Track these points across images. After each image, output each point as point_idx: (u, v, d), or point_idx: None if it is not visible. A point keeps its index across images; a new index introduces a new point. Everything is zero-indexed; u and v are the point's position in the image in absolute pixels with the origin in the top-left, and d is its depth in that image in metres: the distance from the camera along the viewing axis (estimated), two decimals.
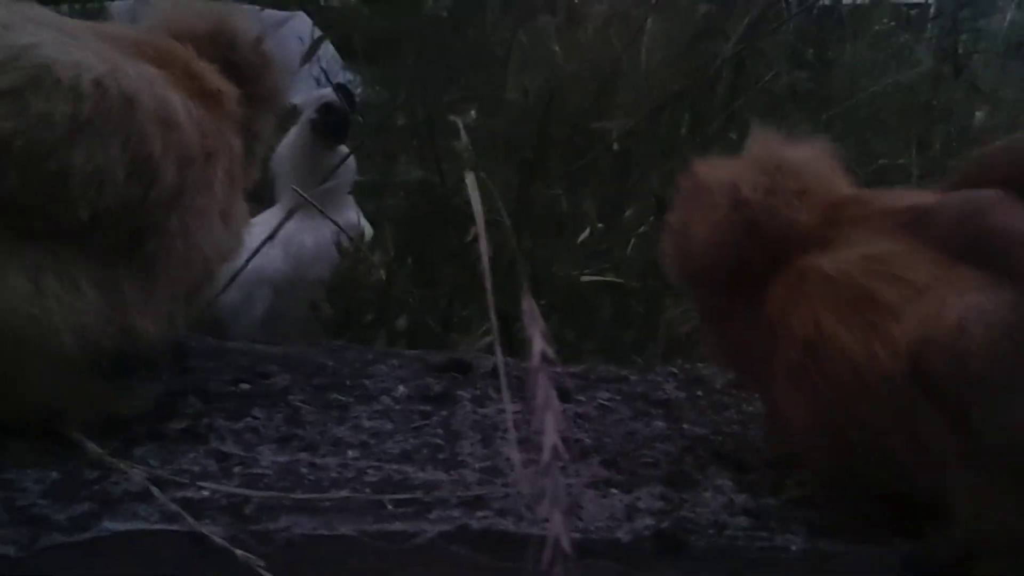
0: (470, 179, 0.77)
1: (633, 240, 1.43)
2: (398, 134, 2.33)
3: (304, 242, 1.62)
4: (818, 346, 0.78)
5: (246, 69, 1.02)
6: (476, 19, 4.51)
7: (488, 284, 0.68)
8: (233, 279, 1.38)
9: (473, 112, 3.14)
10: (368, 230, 1.67)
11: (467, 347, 1.33)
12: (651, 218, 1.40)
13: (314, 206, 1.51)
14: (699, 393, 1.11)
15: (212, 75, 0.96)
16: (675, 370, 1.18)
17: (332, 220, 1.50)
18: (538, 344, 0.64)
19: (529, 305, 0.63)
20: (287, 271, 1.65)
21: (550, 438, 0.61)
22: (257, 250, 1.39)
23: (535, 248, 1.26)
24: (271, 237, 1.40)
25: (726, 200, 0.87)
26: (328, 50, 4.53)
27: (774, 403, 0.89)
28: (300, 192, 1.60)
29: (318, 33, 4.35)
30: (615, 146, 2.39)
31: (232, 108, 0.97)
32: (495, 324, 0.68)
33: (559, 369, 1.16)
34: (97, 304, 0.82)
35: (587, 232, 1.37)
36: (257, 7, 5.06)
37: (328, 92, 1.79)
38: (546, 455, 0.59)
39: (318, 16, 4.77)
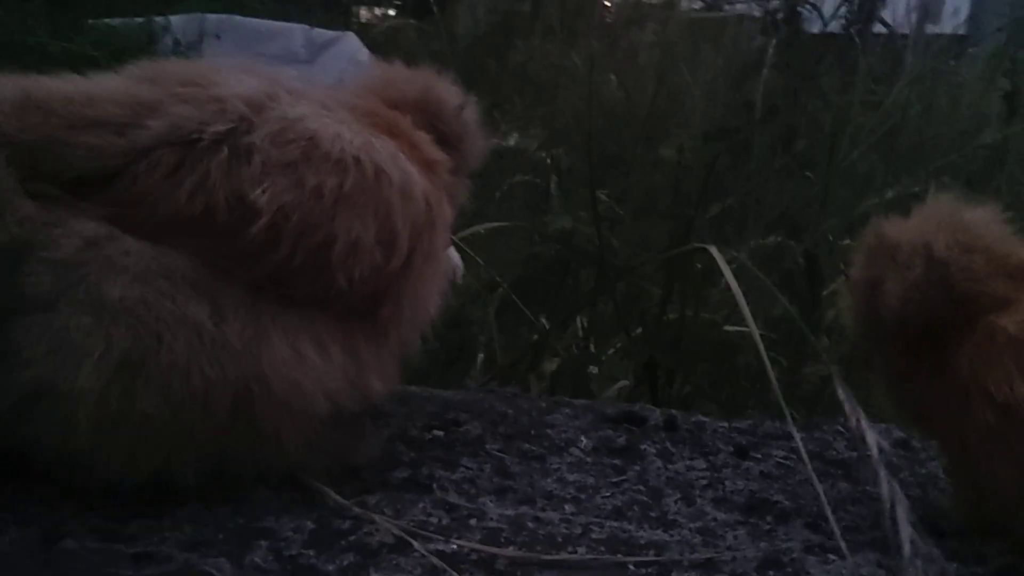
0: (714, 252, 0.81)
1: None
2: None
3: None
4: (1014, 408, 0.82)
5: (451, 137, 1.05)
6: (522, 41, 4.55)
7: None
8: None
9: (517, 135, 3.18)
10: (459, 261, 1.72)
11: (608, 392, 1.36)
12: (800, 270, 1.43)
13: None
14: (869, 452, 1.14)
15: (429, 145, 1.00)
16: (842, 428, 1.20)
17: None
18: (871, 438, 0.68)
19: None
20: None
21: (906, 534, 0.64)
22: None
23: (685, 298, 1.30)
24: None
25: (921, 259, 0.90)
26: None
27: (966, 467, 0.92)
28: None
29: (366, 53, 4.41)
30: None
31: (445, 177, 1.01)
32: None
33: (726, 424, 1.20)
34: (343, 368, 0.87)
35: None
36: (307, 26, 5.13)
37: None
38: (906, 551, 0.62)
39: (364, 36, 4.82)
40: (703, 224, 1.30)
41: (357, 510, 0.86)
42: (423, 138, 1.00)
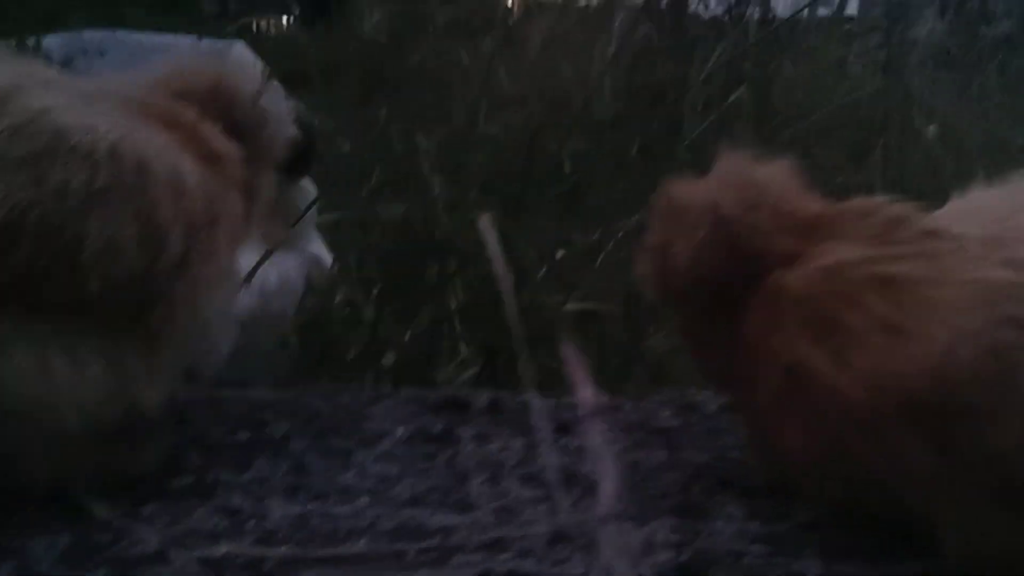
0: (484, 222, 0.78)
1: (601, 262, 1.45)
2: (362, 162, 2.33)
3: (268, 276, 1.60)
4: (797, 373, 0.80)
5: (246, 127, 1.00)
6: (416, 43, 4.52)
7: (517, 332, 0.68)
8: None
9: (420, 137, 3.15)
10: (330, 260, 1.67)
11: (450, 378, 1.32)
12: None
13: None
14: (694, 419, 1.12)
15: (216, 137, 0.95)
16: (667, 398, 1.19)
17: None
18: (587, 392, 0.65)
19: (570, 353, 0.64)
20: (252, 307, 1.63)
21: (608, 488, 0.61)
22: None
23: (519, 280, 1.27)
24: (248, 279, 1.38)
25: (707, 218, 0.88)
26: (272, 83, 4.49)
27: (760, 428, 0.91)
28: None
29: (256, 62, 4.32)
30: (567, 168, 2.41)
31: (234, 170, 0.95)
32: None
33: (553, 402, 1.17)
34: (102, 380, 0.81)
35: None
36: (195, 38, 5.02)
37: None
38: (605, 505, 0.59)
39: (256, 45, 4.74)
40: (543, 204, 1.25)
41: (121, 521, 0.81)
42: (209, 129, 0.94)
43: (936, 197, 0.89)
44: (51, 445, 0.80)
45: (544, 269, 1.27)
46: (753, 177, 0.90)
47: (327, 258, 1.72)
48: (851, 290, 0.78)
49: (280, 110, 1.07)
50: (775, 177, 0.91)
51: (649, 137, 2.51)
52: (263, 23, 6.35)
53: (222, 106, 0.98)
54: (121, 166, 0.81)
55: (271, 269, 1.66)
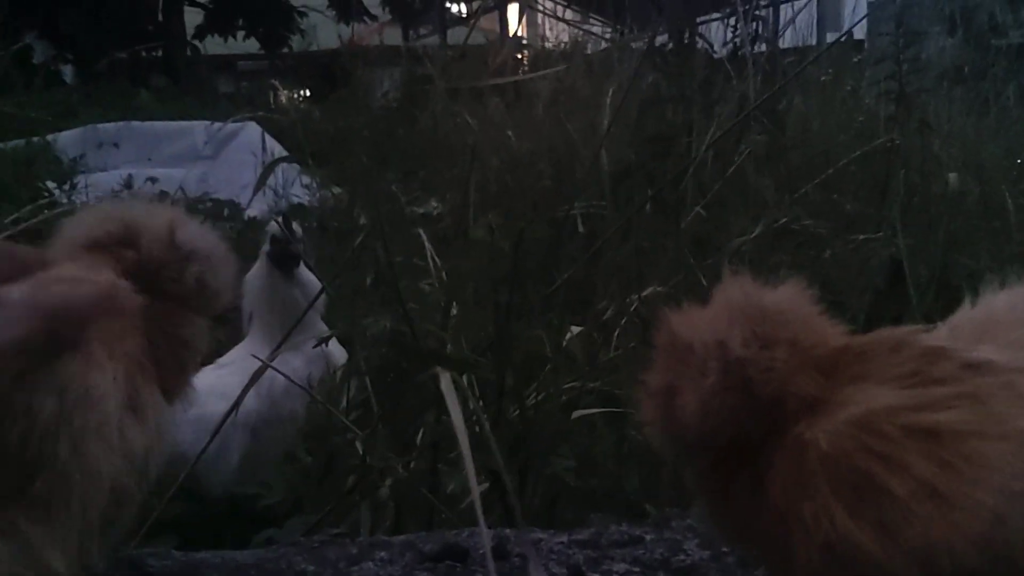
0: (445, 380, 0.70)
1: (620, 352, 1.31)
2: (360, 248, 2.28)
3: (275, 377, 1.56)
4: (838, 550, 0.69)
5: (158, 268, 0.92)
6: (425, 109, 4.53)
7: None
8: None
9: (434, 202, 3.11)
10: (342, 356, 1.60)
11: (457, 515, 1.21)
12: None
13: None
14: (724, 549, 1.00)
15: (112, 284, 0.86)
16: (693, 522, 1.06)
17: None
18: None
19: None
20: (262, 411, 1.58)
21: None
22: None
23: (518, 387, 1.15)
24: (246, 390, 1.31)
25: (716, 361, 0.75)
26: (281, 155, 4.54)
27: None
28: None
29: (268, 140, 4.37)
30: (580, 229, 2.34)
31: (134, 309, 0.87)
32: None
33: (565, 538, 1.06)
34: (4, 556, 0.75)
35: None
36: (208, 122, 5.09)
37: (274, 224, 1.74)
38: None
39: (268, 123, 4.79)
40: (530, 304, 1.15)
41: None
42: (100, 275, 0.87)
43: (963, 235, 0.80)
44: None
45: (551, 360, 1.15)
46: (764, 306, 0.78)
47: (339, 355, 1.66)
48: (888, 448, 0.68)
49: (208, 246, 0.96)
50: (789, 305, 0.79)
51: (661, 189, 2.42)
52: (275, 99, 6.44)
53: (126, 248, 0.91)
54: None
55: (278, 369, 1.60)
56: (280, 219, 1.65)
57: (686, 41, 3.83)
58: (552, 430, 1.06)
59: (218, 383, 1.47)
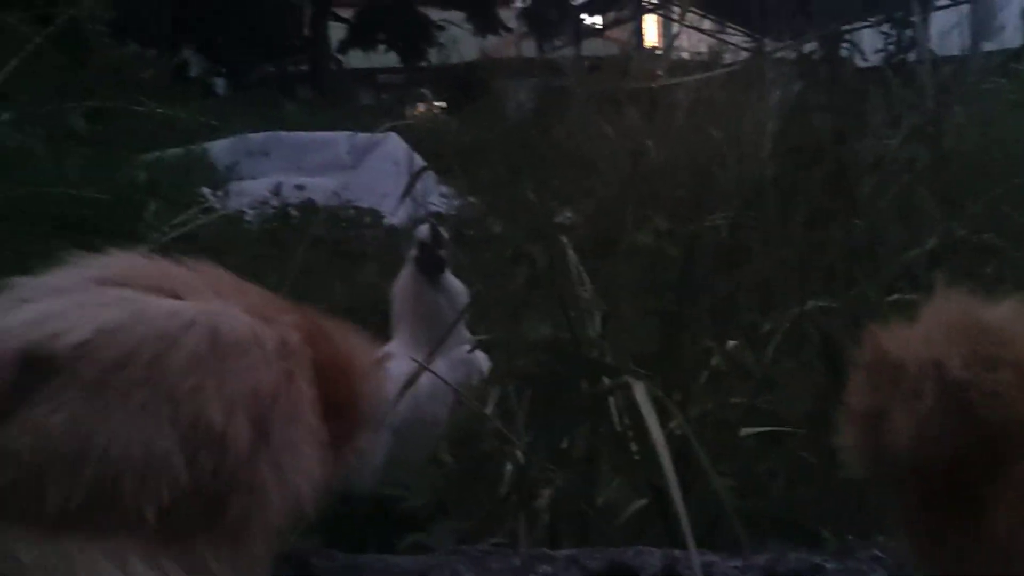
0: (640, 392, 0.66)
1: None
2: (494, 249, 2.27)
3: (420, 382, 1.57)
4: None
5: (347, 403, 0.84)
6: (560, 119, 4.52)
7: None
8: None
9: (568, 212, 3.08)
10: (485, 363, 1.60)
11: (613, 512, 1.17)
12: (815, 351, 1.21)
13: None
14: None
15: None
16: (879, 552, 0.96)
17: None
18: None
19: None
20: (405, 414, 1.59)
21: None
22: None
23: (685, 402, 1.10)
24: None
25: (932, 382, 0.68)
26: (419, 166, 4.62)
27: None
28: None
29: (408, 150, 4.45)
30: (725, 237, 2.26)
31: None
32: None
33: (738, 563, 1.00)
34: None
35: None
36: (350, 132, 5.23)
37: (424, 228, 1.75)
38: None
39: (408, 133, 4.89)
40: (698, 314, 1.09)
41: None
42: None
43: None
44: None
45: (721, 374, 1.08)
46: (984, 324, 0.70)
47: (482, 361, 1.64)
48: None
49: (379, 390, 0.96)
50: (1013, 323, 0.70)
51: (813, 201, 2.31)
52: (414, 111, 6.58)
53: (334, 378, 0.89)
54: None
55: (423, 375, 1.61)
56: (429, 225, 1.66)
57: (835, 48, 3.69)
58: (717, 447, 1.01)
59: None
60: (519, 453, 1.13)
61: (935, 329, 0.71)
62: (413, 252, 1.65)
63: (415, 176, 1.53)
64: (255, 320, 0.78)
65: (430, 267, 1.64)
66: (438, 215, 3.60)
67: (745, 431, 1.05)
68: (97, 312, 0.72)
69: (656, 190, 2.94)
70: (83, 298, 0.74)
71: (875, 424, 0.71)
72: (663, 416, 0.91)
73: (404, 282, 1.67)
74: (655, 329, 1.04)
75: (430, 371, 1.31)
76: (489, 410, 1.31)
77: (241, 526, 0.74)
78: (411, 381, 1.20)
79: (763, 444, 1.10)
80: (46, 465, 0.67)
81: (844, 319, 1.07)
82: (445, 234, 1.63)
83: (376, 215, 3.52)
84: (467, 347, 1.62)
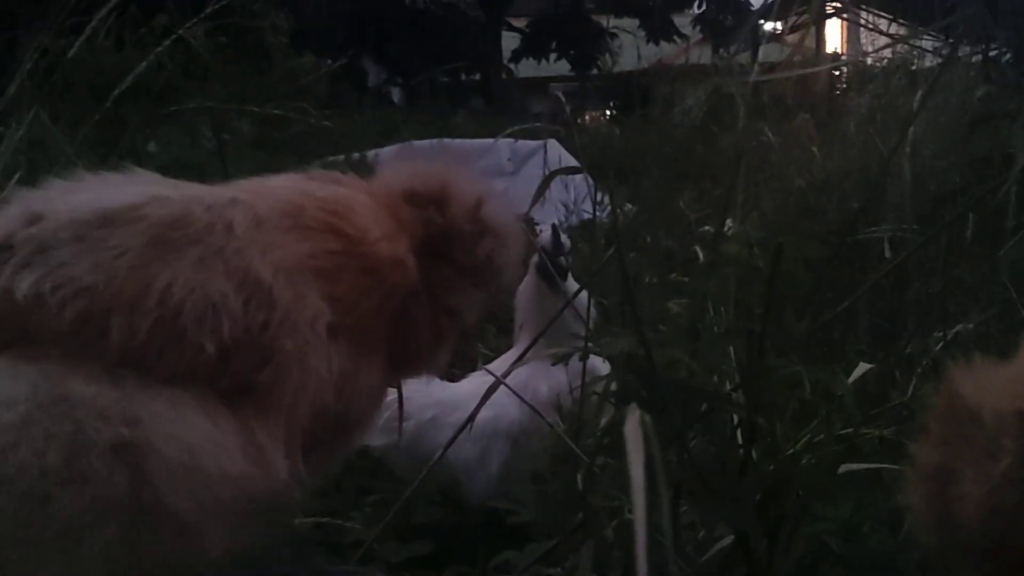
0: (632, 422, 0.59)
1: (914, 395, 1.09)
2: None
3: (539, 389, 1.53)
4: None
5: (457, 237, 0.94)
6: (729, 127, 4.39)
7: None
8: (459, 431, 1.28)
9: (729, 221, 2.97)
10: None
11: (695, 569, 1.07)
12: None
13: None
14: None
15: (381, 242, 0.89)
16: None
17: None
18: None
19: None
20: (524, 422, 1.55)
21: None
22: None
23: (772, 431, 0.99)
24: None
25: (1012, 440, 0.57)
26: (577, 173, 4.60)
27: None
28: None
29: (566, 156, 4.44)
30: (886, 253, 2.12)
31: (394, 276, 0.89)
32: None
33: None
34: (239, 444, 0.76)
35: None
36: (512, 139, 5.29)
37: (546, 235, 1.72)
38: None
39: (569, 141, 4.88)
40: (794, 336, 0.98)
41: None
42: (379, 232, 0.89)
43: None
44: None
45: (813, 403, 0.95)
46: None
47: (603, 369, 1.59)
48: None
49: (507, 226, 0.97)
50: None
51: (989, 216, 2.12)
52: (580, 119, 6.57)
53: (431, 210, 0.92)
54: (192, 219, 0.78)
55: (541, 381, 1.58)
56: (551, 230, 1.62)
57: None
58: (814, 485, 0.91)
59: (483, 389, 1.44)
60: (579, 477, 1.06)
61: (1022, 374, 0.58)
62: (535, 259, 1.62)
63: (548, 178, 1.51)
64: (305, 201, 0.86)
65: (550, 273, 1.60)
66: (589, 222, 3.58)
67: (845, 467, 0.93)
68: (149, 187, 0.82)
69: (822, 201, 2.79)
70: (137, 179, 0.84)
71: (942, 485, 0.60)
72: (751, 447, 0.83)
73: (526, 288, 1.64)
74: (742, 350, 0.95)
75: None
76: (602, 424, 1.25)
77: (271, 390, 0.78)
78: (491, 391, 1.16)
79: (879, 482, 0.98)
80: (113, 300, 0.73)
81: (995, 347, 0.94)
82: (567, 241, 1.59)
83: (528, 221, 3.53)
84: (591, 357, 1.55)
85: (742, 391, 0.91)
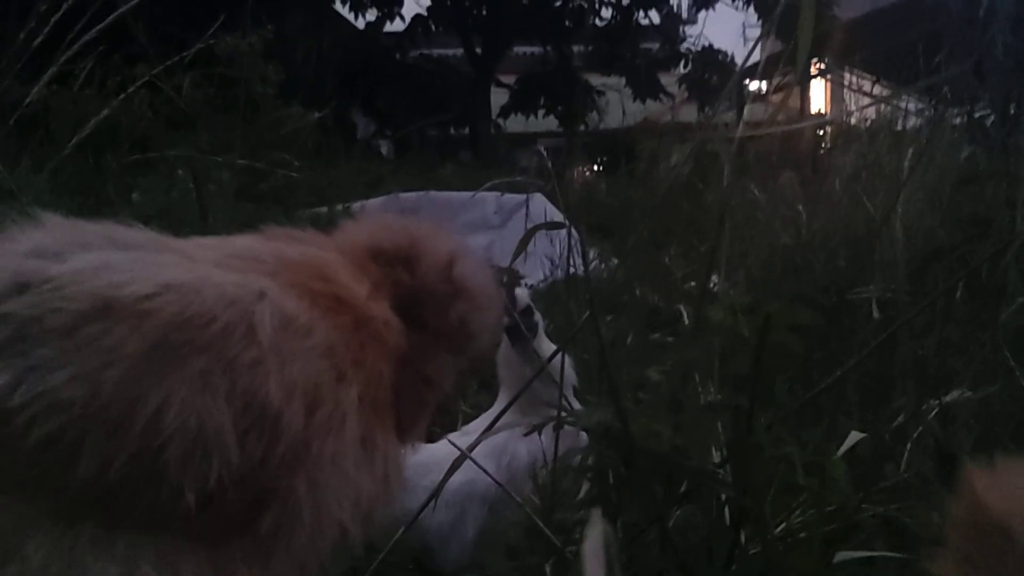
0: (593, 538, 0.54)
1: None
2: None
3: (518, 452, 1.47)
4: None
5: (428, 299, 0.85)
6: (714, 184, 4.40)
7: None
8: (432, 497, 1.22)
9: (715, 277, 2.94)
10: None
11: None
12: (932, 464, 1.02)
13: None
14: None
15: (370, 302, 0.79)
16: None
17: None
18: None
19: None
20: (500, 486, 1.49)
21: None
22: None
23: (760, 514, 0.92)
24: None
25: None
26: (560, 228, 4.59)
27: None
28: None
29: (551, 210, 4.43)
30: (875, 314, 2.08)
31: (390, 337, 0.79)
32: None
33: None
34: None
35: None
36: (497, 192, 5.28)
37: (523, 293, 1.66)
38: None
39: (555, 195, 4.86)
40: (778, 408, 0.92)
41: None
42: (362, 293, 0.79)
43: None
44: None
45: (804, 486, 0.88)
46: None
47: (584, 435, 1.54)
48: None
49: (482, 287, 0.89)
50: None
51: (975, 272, 2.11)
52: (567, 174, 6.57)
53: (400, 269, 0.84)
54: (196, 327, 0.64)
55: (520, 444, 1.52)
56: (515, 291, 1.58)
57: (1012, 111, 3.45)
58: (807, 571, 0.83)
59: (458, 451, 1.38)
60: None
61: None
62: (505, 320, 1.57)
63: (531, 232, 1.46)
64: (319, 302, 0.73)
65: (519, 335, 1.56)
66: (573, 277, 3.55)
67: (842, 555, 0.86)
68: (161, 269, 0.67)
69: (808, 259, 2.77)
70: (145, 254, 0.69)
71: None
72: (738, 531, 0.76)
73: (503, 348, 1.59)
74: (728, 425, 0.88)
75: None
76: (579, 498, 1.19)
77: (274, 539, 0.67)
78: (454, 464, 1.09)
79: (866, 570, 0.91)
80: (91, 423, 0.61)
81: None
82: (523, 297, 1.55)
83: (515, 275, 3.49)
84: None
85: (730, 469, 0.84)
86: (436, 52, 11.92)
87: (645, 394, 0.99)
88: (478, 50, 11.52)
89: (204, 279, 0.67)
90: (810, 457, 0.78)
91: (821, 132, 5.85)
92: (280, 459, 0.66)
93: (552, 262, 3.36)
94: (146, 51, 2.90)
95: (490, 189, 5.43)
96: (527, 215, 4.79)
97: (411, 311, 0.83)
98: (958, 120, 3.78)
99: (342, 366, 0.71)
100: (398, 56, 11.32)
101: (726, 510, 0.87)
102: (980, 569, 0.51)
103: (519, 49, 12.05)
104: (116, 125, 2.83)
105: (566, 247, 3.63)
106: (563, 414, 1.06)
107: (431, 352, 0.84)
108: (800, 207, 3.32)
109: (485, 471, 1.21)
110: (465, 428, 1.59)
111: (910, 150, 3.42)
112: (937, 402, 1.09)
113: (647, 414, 0.87)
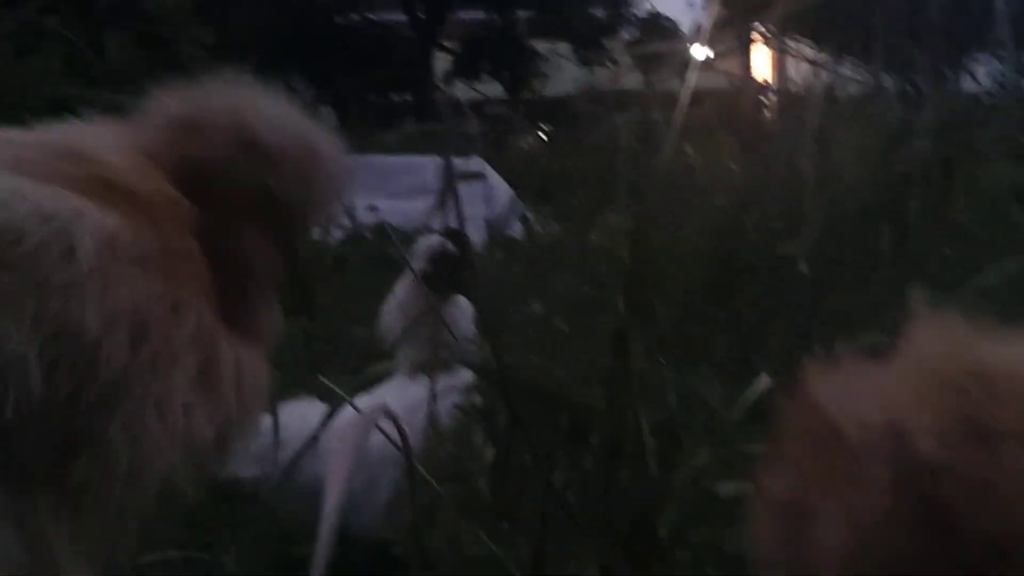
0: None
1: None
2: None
3: (394, 407, 1.43)
4: None
5: (216, 167, 0.72)
6: (655, 151, 4.40)
7: None
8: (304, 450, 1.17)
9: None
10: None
11: None
12: None
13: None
14: None
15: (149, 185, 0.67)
16: None
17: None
18: None
19: None
20: (416, 445, 1.45)
21: None
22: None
23: (637, 447, 0.88)
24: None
25: (886, 466, 0.43)
26: (505, 191, 4.56)
27: None
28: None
29: (494, 175, 4.39)
30: (803, 268, 2.08)
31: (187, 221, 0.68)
32: None
33: None
34: (11, 548, 0.56)
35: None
36: (436, 157, 5.22)
37: (436, 239, 1.62)
38: None
39: (499, 162, 4.83)
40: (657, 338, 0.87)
41: None
42: (146, 177, 0.67)
43: None
44: None
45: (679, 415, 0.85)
46: (984, 370, 0.44)
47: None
48: None
49: (283, 138, 0.75)
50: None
51: (904, 229, 2.14)
52: (509, 140, 6.54)
53: (187, 144, 0.72)
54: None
55: (398, 399, 1.46)
56: (449, 234, 1.52)
57: (947, 77, 3.48)
58: (686, 508, 0.80)
59: (368, 413, 1.34)
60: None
61: (903, 377, 0.45)
62: (420, 265, 1.51)
63: (449, 182, 1.41)
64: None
65: (444, 280, 1.50)
66: (512, 239, 3.54)
67: (723, 488, 0.83)
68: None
69: (740, 218, 2.78)
70: None
71: (798, 522, 0.46)
72: (615, 465, 0.73)
73: (406, 300, 1.52)
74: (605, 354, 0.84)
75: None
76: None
77: (85, 490, 0.58)
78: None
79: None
80: None
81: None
82: (453, 250, 1.51)
83: (461, 237, 3.51)
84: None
85: (606, 400, 0.80)
86: (379, 16, 11.72)
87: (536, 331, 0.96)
88: (420, 15, 11.36)
89: (14, 191, 0.59)
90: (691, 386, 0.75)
91: (764, 99, 5.89)
92: (95, 399, 0.58)
93: (487, 223, 3.34)
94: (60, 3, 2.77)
95: (428, 154, 5.37)
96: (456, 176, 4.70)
97: (203, 186, 0.71)
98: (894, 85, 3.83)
99: (176, 291, 0.62)
100: (338, 20, 11.12)
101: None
102: (810, 478, 0.46)
103: (463, 14, 11.90)
104: (29, 83, 2.71)
105: (503, 210, 3.60)
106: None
107: (231, 228, 0.72)
108: (734, 167, 3.37)
109: (382, 431, 1.16)
110: (377, 390, 1.55)
111: (845, 115, 3.44)
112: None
113: (530, 348, 0.84)
